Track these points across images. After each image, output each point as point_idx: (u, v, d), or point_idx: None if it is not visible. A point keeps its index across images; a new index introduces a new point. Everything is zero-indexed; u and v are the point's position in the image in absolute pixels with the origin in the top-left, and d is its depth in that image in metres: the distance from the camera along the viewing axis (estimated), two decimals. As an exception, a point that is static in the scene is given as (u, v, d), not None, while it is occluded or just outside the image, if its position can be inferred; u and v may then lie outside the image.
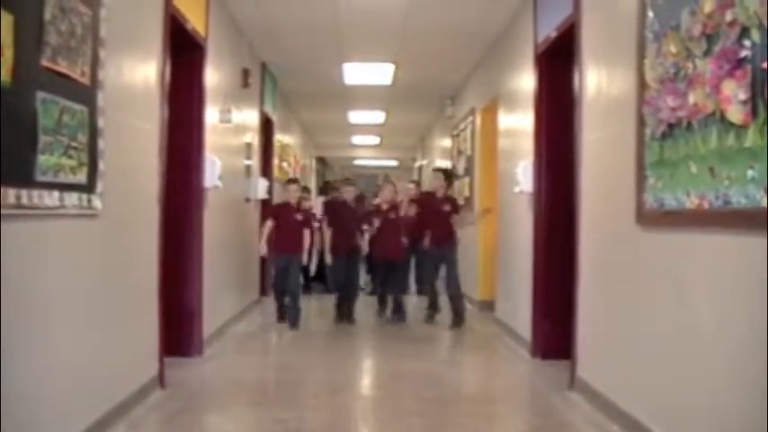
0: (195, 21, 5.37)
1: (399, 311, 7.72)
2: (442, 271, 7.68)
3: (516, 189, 6.12)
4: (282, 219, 7.36)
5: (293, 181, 8.04)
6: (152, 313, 4.48)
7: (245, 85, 7.56)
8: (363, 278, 10.77)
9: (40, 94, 2.81)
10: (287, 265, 7.34)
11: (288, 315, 7.26)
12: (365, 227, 7.77)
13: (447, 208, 7.69)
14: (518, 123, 6.62)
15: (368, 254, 8.08)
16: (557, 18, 5.22)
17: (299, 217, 7.45)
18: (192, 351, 5.52)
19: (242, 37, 7.50)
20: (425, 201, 8.01)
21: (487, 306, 8.11)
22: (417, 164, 17.98)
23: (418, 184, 10.21)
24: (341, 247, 7.63)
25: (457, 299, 7.51)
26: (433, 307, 7.82)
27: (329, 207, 7.94)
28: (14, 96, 2.60)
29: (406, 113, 13.44)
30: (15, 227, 2.62)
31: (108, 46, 3.46)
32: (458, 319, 7.46)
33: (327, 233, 7.63)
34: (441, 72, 9.61)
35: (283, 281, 7.39)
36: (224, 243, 6.55)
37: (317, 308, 8.90)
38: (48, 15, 2.84)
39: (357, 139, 17.92)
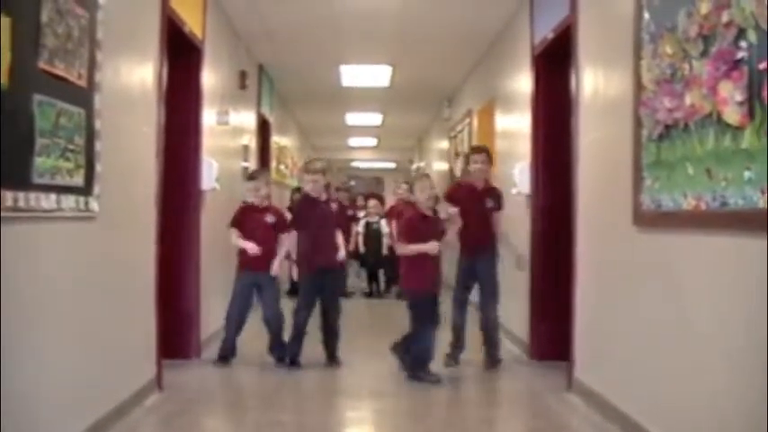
0: (192, 23, 5.36)
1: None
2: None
3: (513, 191, 6.12)
4: (247, 226, 5.57)
5: (253, 175, 6.00)
6: (149, 315, 4.48)
7: (243, 87, 7.56)
8: (353, 280, 10.78)
9: (37, 97, 2.81)
10: (253, 287, 5.59)
11: (273, 351, 5.56)
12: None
13: (490, 204, 5.59)
14: (515, 125, 6.62)
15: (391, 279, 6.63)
16: (553, 20, 5.23)
17: (270, 219, 5.59)
18: (191, 353, 5.52)
19: (239, 39, 7.50)
20: (463, 195, 5.65)
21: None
22: (415, 165, 17.98)
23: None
24: (310, 262, 5.48)
25: (492, 329, 5.55)
26: (458, 345, 5.57)
27: (295, 205, 5.79)
28: (11, 99, 2.60)
29: (403, 115, 13.44)
30: (12, 229, 2.62)
31: (105, 48, 3.46)
32: (492, 356, 5.54)
33: (290, 239, 5.61)
34: (438, 74, 9.62)
35: (243, 308, 5.58)
36: (222, 245, 6.54)
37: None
38: (45, 18, 2.83)
39: (354, 141, 17.90)
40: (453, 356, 5.52)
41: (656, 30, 3.33)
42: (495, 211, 5.58)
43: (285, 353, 5.53)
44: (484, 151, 5.79)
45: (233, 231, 5.60)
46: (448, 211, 5.54)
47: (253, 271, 5.54)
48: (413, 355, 5.09)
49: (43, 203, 2.87)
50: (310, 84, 10.41)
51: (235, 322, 5.57)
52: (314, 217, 5.46)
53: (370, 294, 10.33)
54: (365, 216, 10.46)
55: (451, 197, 5.68)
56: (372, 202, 10.49)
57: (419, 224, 5.13)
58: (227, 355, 5.56)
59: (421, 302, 5.10)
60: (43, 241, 2.96)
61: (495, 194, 5.64)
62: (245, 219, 5.61)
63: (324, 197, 5.59)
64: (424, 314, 5.06)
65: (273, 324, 5.56)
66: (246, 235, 5.54)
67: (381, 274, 10.54)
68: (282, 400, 4.73)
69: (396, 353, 5.27)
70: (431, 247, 5.01)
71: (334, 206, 5.70)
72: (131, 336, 4.18)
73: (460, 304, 5.58)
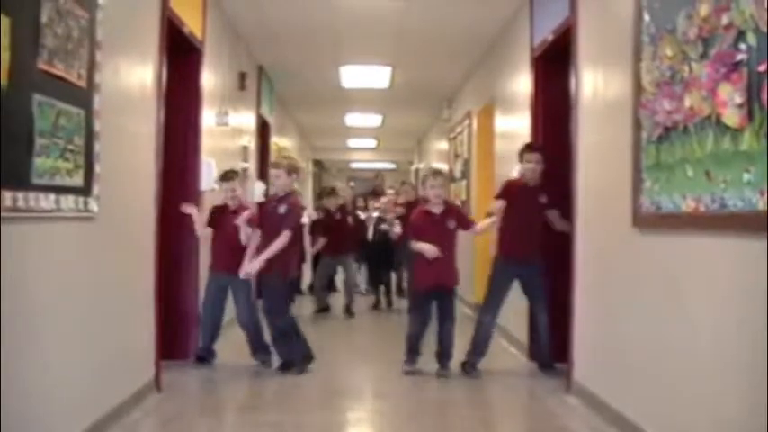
0: (192, 24, 5.36)
1: (448, 358, 5.29)
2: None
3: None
4: (219, 225, 5.50)
5: (229, 176, 5.60)
6: (149, 316, 4.47)
7: (242, 88, 7.56)
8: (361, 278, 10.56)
9: (37, 97, 2.81)
10: (222, 290, 5.51)
11: (256, 355, 5.48)
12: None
13: (544, 200, 5.25)
14: (515, 126, 6.62)
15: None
16: (553, 21, 5.23)
17: (240, 221, 5.42)
18: (189, 354, 5.51)
19: (239, 40, 7.50)
20: (514, 192, 5.30)
21: (484, 309, 8.08)
22: (414, 167, 17.99)
23: (413, 186, 10.00)
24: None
25: (547, 336, 5.30)
26: (480, 350, 5.31)
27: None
28: (11, 99, 2.60)
29: (403, 116, 13.45)
30: (12, 229, 2.62)
31: (104, 49, 3.46)
32: (547, 361, 5.32)
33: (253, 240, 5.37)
34: (438, 75, 9.62)
35: (214, 310, 5.50)
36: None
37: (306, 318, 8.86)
38: (44, 18, 2.84)
39: (354, 143, 17.91)
40: (471, 365, 5.28)
41: (655, 32, 3.34)
42: (550, 207, 5.24)
43: (269, 356, 5.46)
44: (538, 151, 5.30)
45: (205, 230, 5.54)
46: (494, 207, 5.39)
47: (221, 271, 5.48)
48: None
49: (42, 204, 2.87)
50: (310, 85, 10.41)
51: (208, 328, 5.50)
52: (264, 221, 5.38)
53: (377, 304, 9.27)
54: (368, 218, 9.70)
55: (502, 196, 5.39)
56: (384, 199, 10.01)
57: (422, 221, 5.27)
58: (204, 356, 5.51)
59: (413, 297, 5.69)
60: (42, 242, 2.96)
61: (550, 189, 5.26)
62: (217, 217, 5.52)
63: (280, 196, 5.33)
64: (413, 308, 5.60)
65: (250, 328, 5.47)
66: (216, 235, 5.52)
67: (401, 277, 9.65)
68: (281, 401, 4.73)
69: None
70: (428, 249, 5.09)
71: (306, 220, 5.35)
72: (130, 336, 4.18)
73: (496, 310, 5.40)
